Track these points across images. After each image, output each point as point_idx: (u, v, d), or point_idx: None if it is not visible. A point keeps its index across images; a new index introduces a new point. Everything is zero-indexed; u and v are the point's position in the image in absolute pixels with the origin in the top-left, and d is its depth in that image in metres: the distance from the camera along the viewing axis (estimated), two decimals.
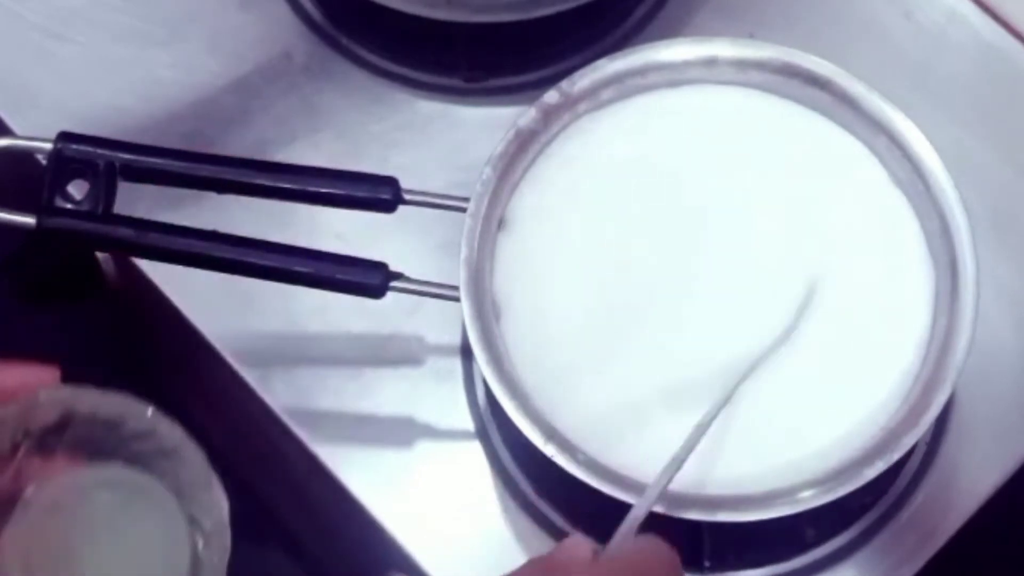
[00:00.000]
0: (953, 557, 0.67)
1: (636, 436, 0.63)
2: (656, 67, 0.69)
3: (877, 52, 0.76)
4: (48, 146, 0.64)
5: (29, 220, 0.63)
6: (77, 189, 0.63)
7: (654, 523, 0.60)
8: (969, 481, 0.68)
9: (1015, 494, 0.68)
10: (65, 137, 0.64)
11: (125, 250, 0.68)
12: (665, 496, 0.58)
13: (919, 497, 0.68)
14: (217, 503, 0.50)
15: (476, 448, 0.69)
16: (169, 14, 0.79)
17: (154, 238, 0.64)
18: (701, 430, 0.59)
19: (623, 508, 0.60)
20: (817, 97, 0.68)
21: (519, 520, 0.68)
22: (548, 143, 0.69)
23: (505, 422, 0.65)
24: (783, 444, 0.63)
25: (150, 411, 0.51)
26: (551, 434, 0.62)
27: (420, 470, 0.69)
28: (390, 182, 0.65)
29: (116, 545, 0.50)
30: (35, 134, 0.65)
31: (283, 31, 0.78)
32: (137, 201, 0.65)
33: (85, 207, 0.63)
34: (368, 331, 0.71)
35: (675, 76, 0.69)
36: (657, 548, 0.54)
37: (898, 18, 0.77)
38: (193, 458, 0.50)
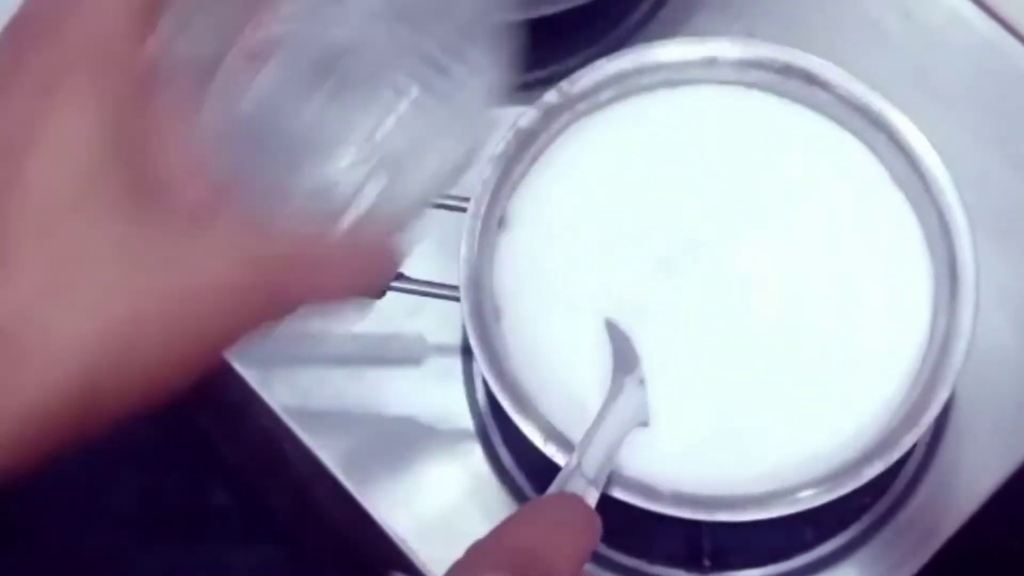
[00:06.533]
0: (953, 557, 0.67)
1: (635, 436, 0.63)
2: (656, 67, 0.69)
3: (877, 52, 0.76)
4: None
5: None
6: None
7: (655, 523, 0.60)
8: (969, 481, 0.68)
9: (1015, 494, 0.68)
10: None
11: None
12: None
13: (919, 497, 0.68)
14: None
15: (476, 448, 0.69)
16: None
17: None
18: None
19: (621, 507, 0.60)
20: (817, 96, 0.68)
21: None
22: (548, 143, 0.69)
23: (505, 422, 0.64)
24: (783, 444, 0.63)
25: None
26: (551, 434, 0.62)
27: (420, 470, 0.69)
28: None
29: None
30: None
31: None
32: None
33: None
34: (368, 331, 0.71)
35: (675, 76, 0.69)
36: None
37: (898, 18, 0.77)
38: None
